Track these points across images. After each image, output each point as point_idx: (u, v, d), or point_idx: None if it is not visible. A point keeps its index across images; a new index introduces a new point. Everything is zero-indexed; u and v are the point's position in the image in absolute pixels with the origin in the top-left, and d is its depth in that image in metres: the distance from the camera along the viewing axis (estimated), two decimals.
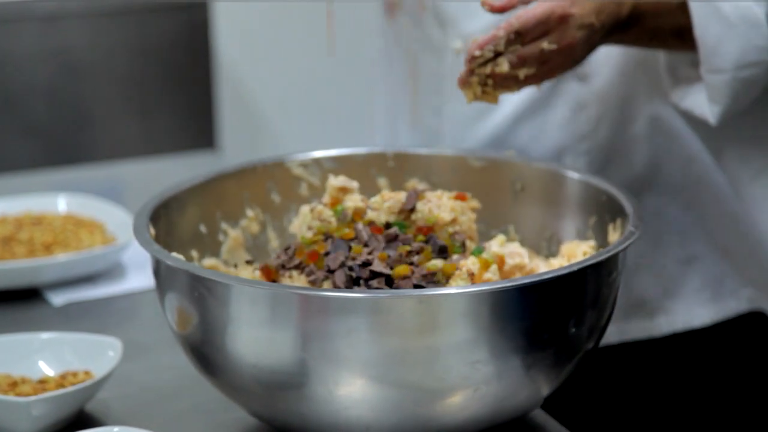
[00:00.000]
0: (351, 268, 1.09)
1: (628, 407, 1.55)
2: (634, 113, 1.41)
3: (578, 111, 1.41)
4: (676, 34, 1.28)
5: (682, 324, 1.48)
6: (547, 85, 1.35)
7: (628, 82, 1.39)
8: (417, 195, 1.19)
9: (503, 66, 1.19)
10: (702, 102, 1.29)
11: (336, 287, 1.09)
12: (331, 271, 1.10)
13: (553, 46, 1.20)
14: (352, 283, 1.09)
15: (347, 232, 1.15)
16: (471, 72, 1.20)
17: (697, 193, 1.43)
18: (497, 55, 1.19)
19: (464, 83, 1.21)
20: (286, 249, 1.16)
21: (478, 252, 1.13)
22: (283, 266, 1.14)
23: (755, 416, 1.53)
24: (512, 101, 1.43)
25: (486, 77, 1.20)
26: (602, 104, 1.41)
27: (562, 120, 1.43)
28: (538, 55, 1.20)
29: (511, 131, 1.45)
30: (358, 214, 1.18)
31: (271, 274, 1.15)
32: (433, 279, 1.09)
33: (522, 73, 1.20)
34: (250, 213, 1.30)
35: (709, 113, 1.28)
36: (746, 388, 1.52)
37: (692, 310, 1.48)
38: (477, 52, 1.18)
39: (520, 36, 1.19)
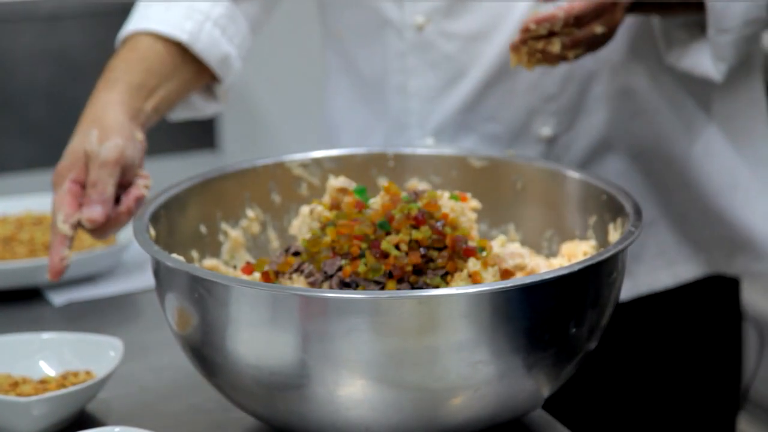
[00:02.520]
0: (346, 284, 1.09)
1: (623, 402, 1.56)
2: (597, 73, 1.46)
3: (546, 72, 1.44)
4: (682, 2, 1.35)
5: (646, 287, 1.53)
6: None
7: None
8: (417, 195, 1.19)
9: (556, 46, 1.27)
10: (701, 61, 1.37)
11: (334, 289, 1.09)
12: (329, 276, 1.10)
13: (604, 29, 1.27)
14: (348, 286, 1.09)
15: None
16: (524, 41, 1.27)
17: (654, 156, 1.48)
18: (551, 34, 1.26)
19: (515, 49, 1.28)
20: (286, 250, 1.16)
21: (479, 251, 1.13)
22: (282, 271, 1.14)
23: (718, 381, 1.55)
24: (482, 67, 1.46)
25: (536, 51, 1.27)
26: (569, 64, 1.43)
27: (531, 82, 1.46)
28: (590, 38, 1.27)
29: (481, 97, 1.48)
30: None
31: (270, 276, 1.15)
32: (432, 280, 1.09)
33: (572, 54, 1.28)
34: (250, 213, 1.30)
35: (715, 71, 1.36)
36: (708, 352, 1.55)
37: (653, 274, 1.53)
38: (532, 26, 1.25)
39: (577, 20, 1.25)
